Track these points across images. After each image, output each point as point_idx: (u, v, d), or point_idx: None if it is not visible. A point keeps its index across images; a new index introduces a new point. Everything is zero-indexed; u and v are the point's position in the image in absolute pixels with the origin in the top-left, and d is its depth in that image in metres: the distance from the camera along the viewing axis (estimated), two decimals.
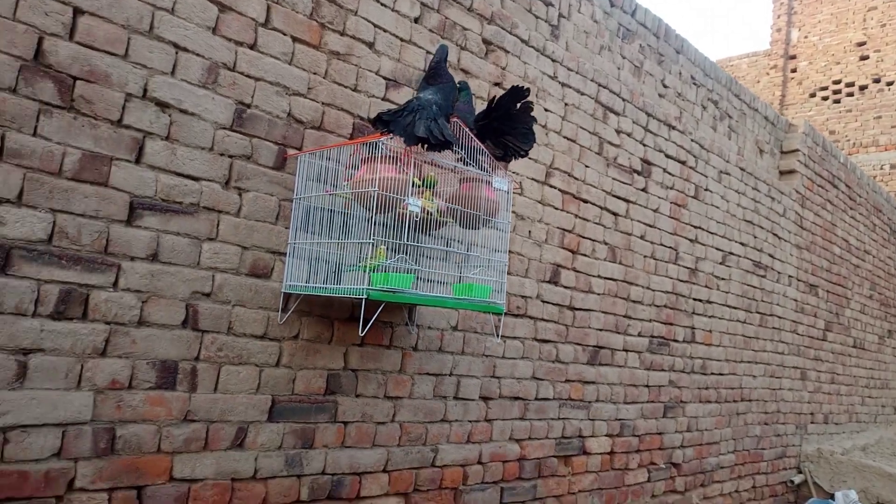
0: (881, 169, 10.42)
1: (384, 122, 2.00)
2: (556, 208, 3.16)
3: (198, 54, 1.95)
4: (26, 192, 1.64)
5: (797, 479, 5.25)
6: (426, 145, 2.00)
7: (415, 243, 2.03)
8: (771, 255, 4.93)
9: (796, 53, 11.67)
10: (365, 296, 1.82)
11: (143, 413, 1.82)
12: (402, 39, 2.51)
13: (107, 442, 1.76)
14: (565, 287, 3.20)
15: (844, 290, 6.19)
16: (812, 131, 5.61)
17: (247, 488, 2.03)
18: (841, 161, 6.16)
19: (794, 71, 11.61)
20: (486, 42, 2.84)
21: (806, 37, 11.57)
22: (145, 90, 1.85)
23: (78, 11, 1.73)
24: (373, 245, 1.91)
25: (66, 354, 1.69)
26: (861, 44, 10.93)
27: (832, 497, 5.05)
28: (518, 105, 2.24)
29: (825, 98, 11.21)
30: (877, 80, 10.67)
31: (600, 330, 3.42)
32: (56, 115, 1.69)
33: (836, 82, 11.12)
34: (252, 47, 2.08)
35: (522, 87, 2.21)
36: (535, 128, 3.01)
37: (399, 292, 1.89)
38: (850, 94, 10.94)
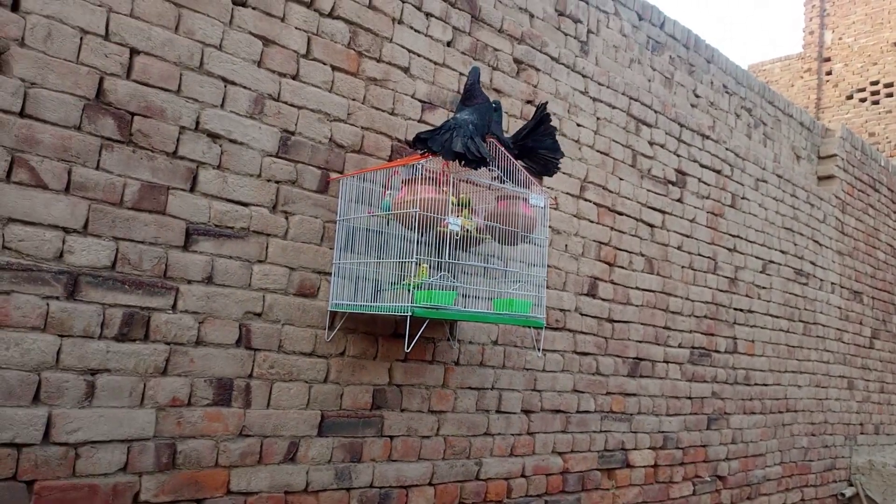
0: None
1: (422, 141, 2.08)
2: (592, 221, 3.18)
3: (245, 87, 2.06)
4: (91, 221, 1.76)
5: (848, 491, 5.10)
6: (463, 162, 2.07)
7: (455, 260, 2.08)
8: (812, 263, 4.85)
9: (831, 55, 11.47)
10: (410, 313, 1.88)
11: (201, 429, 1.91)
12: (435, 63, 2.59)
13: (168, 457, 1.84)
14: (603, 299, 3.22)
15: (891, 296, 6.03)
16: (850, 135, 5.52)
17: (299, 501, 2.09)
18: (881, 164, 6.04)
19: (829, 73, 11.41)
20: (517, 61, 2.90)
21: (840, 38, 11.37)
22: (197, 122, 1.96)
23: (134, 52, 1.85)
24: (416, 263, 1.97)
25: (130, 374, 1.79)
26: None
27: None
28: (540, 118, 2.31)
29: (863, 100, 10.98)
30: None
31: (640, 342, 3.41)
32: (116, 149, 1.81)
33: (874, 83, 10.88)
34: (294, 77, 2.18)
35: (542, 102, 2.27)
36: (569, 142, 3.06)
37: (442, 309, 1.94)
38: (890, 95, 10.69)
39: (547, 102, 2.29)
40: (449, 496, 2.52)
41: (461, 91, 2.63)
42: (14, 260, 1.63)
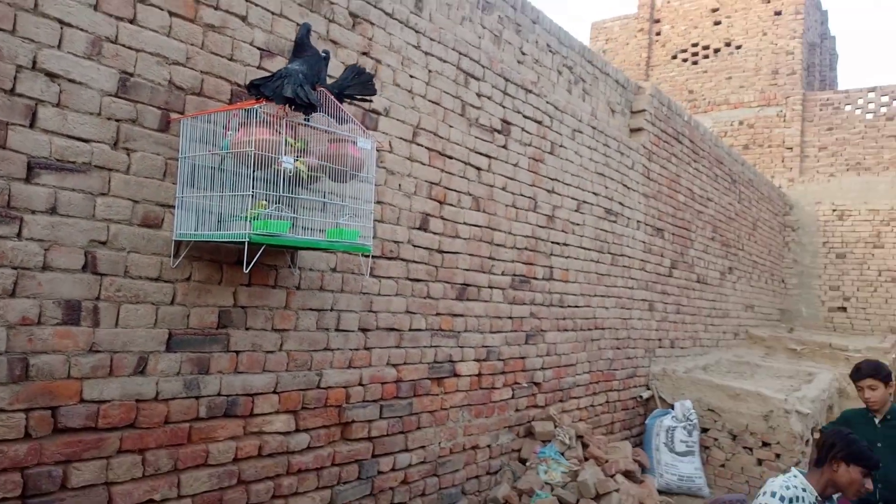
0: (731, 125, 11.68)
1: (256, 87, 2.34)
2: (424, 164, 3.59)
3: (82, 29, 2.18)
4: None
5: (646, 394, 6.14)
6: (293, 106, 2.35)
7: (291, 195, 2.39)
8: (621, 203, 5.65)
9: (660, 17, 12.66)
10: (247, 239, 2.18)
11: (52, 345, 2.11)
12: (273, 13, 2.80)
13: (21, 369, 2.04)
14: (434, 233, 3.67)
15: (688, 232, 7.11)
16: (658, 93, 6.35)
17: (150, 408, 2.36)
18: (685, 119, 7.00)
19: (658, 34, 12.61)
20: (352, 15, 3.17)
21: (669, 2, 12.56)
22: (34, 62, 2.07)
23: None
24: (252, 197, 2.26)
25: None
26: (715, 10, 12.04)
27: (672, 407, 5.97)
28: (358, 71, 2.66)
29: (685, 60, 12.31)
30: (728, 44, 11.84)
31: (467, 270, 3.93)
32: None
33: (694, 45, 12.22)
34: (132, 21, 2.32)
35: (361, 67, 2.61)
36: (402, 92, 3.42)
37: (277, 236, 2.25)
38: (706, 56, 12.08)
39: (358, 64, 2.61)
40: (292, 402, 2.89)
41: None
42: None
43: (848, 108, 11.10)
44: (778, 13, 11.33)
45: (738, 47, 11.65)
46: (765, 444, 5.54)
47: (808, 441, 5.72)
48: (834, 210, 10.72)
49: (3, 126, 2.00)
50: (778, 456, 5.51)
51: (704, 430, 5.85)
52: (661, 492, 5.06)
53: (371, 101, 2.80)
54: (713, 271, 7.83)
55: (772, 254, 10.39)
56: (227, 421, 2.63)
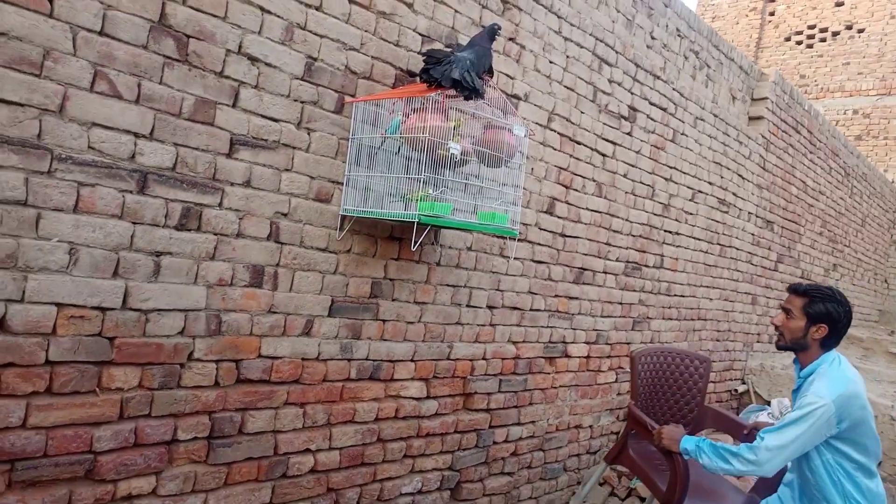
0: (844, 114, 11.03)
1: (426, 70, 2.46)
2: (555, 149, 3.65)
3: (278, 16, 2.35)
4: (156, 129, 2.08)
5: (741, 388, 6.06)
6: (458, 89, 2.45)
7: (451, 178, 2.51)
8: (734, 194, 5.52)
9: None
10: (418, 220, 2.32)
11: (240, 304, 2.33)
12: (435, 0, 2.90)
13: (216, 325, 2.27)
14: (558, 217, 3.74)
15: (797, 226, 6.87)
16: (781, 80, 6.10)
17: (312, 366, 2.58)
18: (805, 108, 6.70)
19: (772, 14, 11.96)
20: (503, 1, 3.23)
21: None
22: (240, 46, 2.25)
23: None
24: (420, 180, 2.39)
25: (187, 257, 2.18)
26: None
27: (769, 403, 5.88)
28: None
29: (799, 42, 11.65)
30: (849, 27, 11.11)
31: (585, 254, 3.99)
32: (176, 67, 2.11)
33: (811, 27, 11.53)
34: (318, 9, 2.47)
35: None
36: (542, 78, 3.47)
37: (442, 218, 2.39)
38: (823, 40, 11.39)
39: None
40: (426, 370, 3.07)
41: (454, 27, 2.97)
42: (98, 158, 1.96)
43: None
44: None
45: (861, 31, 10.92)
46: None
47: None
48: None
49: (212, 105, 2.20)
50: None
51: None
52: None
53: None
54: (818, 267, 7.55)
55: (877, 252, 9.86)
56: (372, 383, 2.83)
